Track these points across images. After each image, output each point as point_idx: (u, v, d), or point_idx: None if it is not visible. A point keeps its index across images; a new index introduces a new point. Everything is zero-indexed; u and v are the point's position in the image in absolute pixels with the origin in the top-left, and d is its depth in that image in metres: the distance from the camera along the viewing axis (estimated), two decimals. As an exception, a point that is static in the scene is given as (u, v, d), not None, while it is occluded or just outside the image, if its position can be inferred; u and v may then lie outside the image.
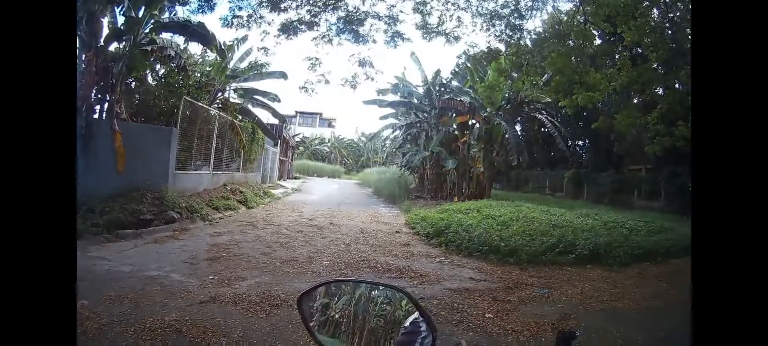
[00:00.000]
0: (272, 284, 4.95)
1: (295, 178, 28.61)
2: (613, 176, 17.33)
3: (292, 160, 30.29)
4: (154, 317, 3.66)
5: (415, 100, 18.03)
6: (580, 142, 22.07)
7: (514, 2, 11.61)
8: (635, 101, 12.85)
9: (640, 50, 11.42)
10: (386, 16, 12.69)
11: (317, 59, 13.17)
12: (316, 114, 46.55)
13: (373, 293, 1.15)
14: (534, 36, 12.71)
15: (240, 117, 13.78)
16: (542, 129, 17.88)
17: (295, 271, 5.65)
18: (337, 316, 1.10)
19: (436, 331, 0.99)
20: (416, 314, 1.03)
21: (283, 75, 15.06)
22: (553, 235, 7.65)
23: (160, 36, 10.43)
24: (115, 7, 9.88)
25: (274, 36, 12.39)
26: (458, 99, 16.18)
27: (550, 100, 14.86)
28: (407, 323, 1.02)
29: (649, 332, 4.12)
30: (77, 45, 9.03)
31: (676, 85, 10.72)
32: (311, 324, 1.12)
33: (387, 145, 27.18)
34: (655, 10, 10.48)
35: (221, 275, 5.18)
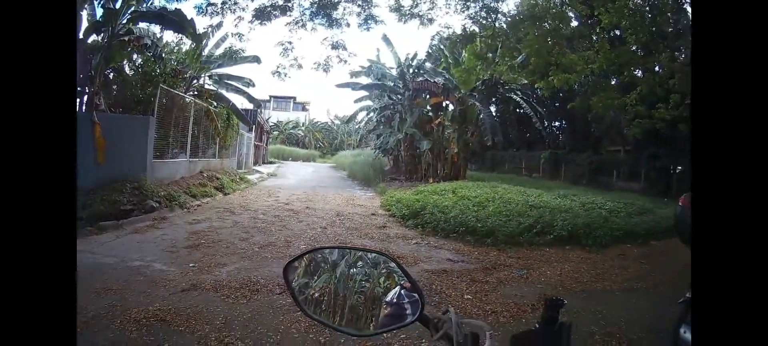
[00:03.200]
0: (251, 269, 5.07)
1: (270, 162, 28.67)
2: (590, 157, 17.26)
3: (267, 145, 30.24)
4: (138, 308, 3.71)
5: (389, 83, 18.01)
6: (557, 123, 21.83)
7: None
8: (613, 83, 12.77)
9: (618, 33, 11.44)
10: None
11: (290, 43, 13.36)
12: (290, 98, 46.41)
13: (352, 270, 1.08)
14: (508, 18, 12.76)
15: (215, 103, 13.80)
16: (518, 110, 17.72)
17: (273, 255, 5.76)
18: (316, 294, 1.06)
19: (424, 298, 0.96)
20: (397, 289, 1.01)
21: (256, 59, 15.04)
22: (530, 215, 7.60)
23: (137, 25, 10.40)
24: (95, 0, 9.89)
25: (248, 22, 12.53)
26: (432, 80, 16.22)
27: (526, 82, 14.77)
28: (389, 298, 1.00)
29: (633, 312, 4.07)
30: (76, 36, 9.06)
31: (656, 68, 10.74)
32: (298, 295, 1.08)
33: (361, 127, 27.31)
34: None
35: (201, 262, 5.30)
